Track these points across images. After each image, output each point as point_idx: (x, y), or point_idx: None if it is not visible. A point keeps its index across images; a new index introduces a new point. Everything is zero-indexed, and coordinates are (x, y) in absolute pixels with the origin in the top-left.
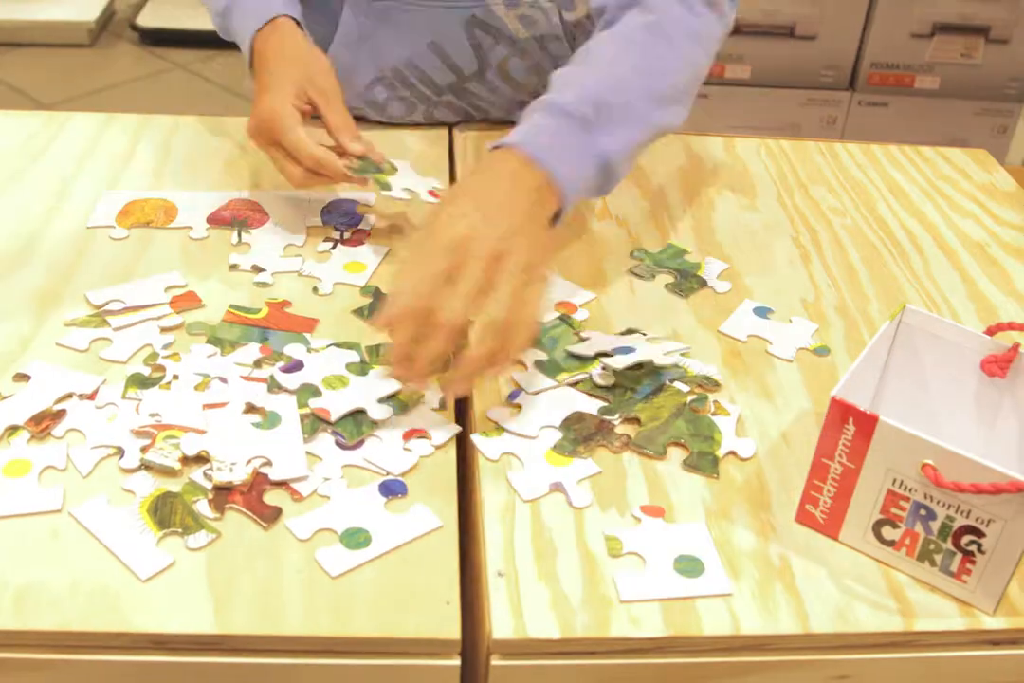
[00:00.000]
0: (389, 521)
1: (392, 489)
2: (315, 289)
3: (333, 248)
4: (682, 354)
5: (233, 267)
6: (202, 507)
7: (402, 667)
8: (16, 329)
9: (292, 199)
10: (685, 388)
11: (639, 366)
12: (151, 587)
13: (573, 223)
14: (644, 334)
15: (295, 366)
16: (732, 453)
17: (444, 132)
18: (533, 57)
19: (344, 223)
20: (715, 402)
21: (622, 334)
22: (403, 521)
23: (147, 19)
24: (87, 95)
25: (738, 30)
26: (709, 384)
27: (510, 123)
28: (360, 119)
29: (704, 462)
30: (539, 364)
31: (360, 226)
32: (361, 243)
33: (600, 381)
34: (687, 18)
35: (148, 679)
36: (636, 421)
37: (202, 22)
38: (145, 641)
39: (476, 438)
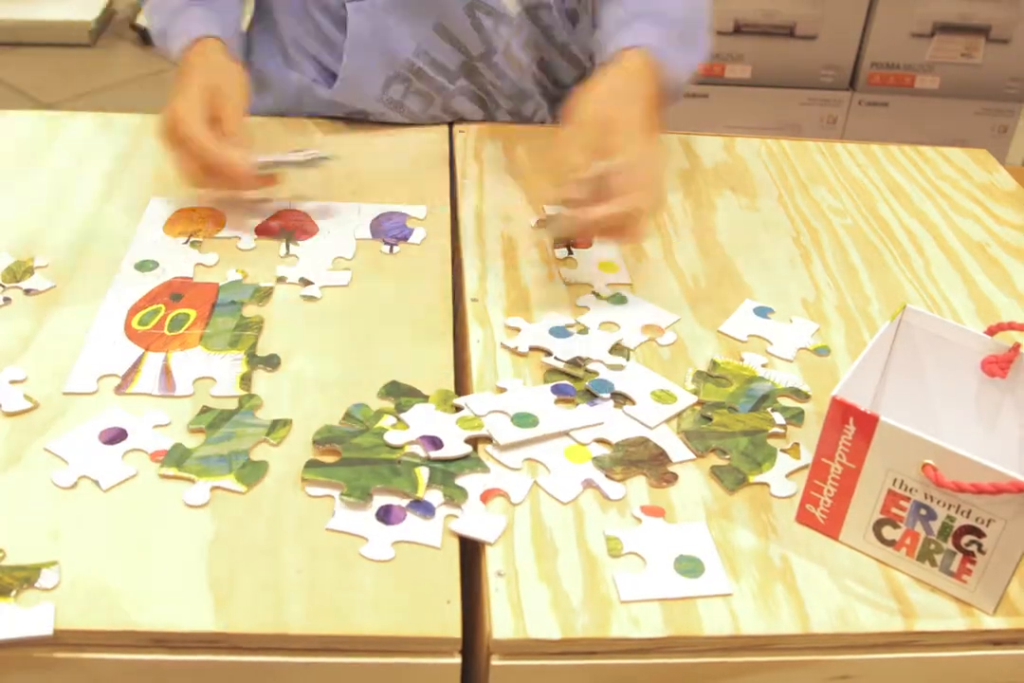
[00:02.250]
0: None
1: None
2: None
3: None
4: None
5: (280, 280)
6: None
7: (403, 665)
8: (16, 330)
9: (342, 211)
10: (780, 419)
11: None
12: (152, 585)
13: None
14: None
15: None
16: (765, 484)
17: (444, 131)
18: (527, 32)
19: (394, 236)
20: (796, 444)
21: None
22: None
23: None
24: (87, 95)
25: (738, 30)
26: (799, 397)
27: (510, 121)
28: (380, 122)
29: (729, 476)
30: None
31: (410, 240)
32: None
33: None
34: None
35: (149, 677)
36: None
37: None
38: (146, 639)
39: (492, 450)
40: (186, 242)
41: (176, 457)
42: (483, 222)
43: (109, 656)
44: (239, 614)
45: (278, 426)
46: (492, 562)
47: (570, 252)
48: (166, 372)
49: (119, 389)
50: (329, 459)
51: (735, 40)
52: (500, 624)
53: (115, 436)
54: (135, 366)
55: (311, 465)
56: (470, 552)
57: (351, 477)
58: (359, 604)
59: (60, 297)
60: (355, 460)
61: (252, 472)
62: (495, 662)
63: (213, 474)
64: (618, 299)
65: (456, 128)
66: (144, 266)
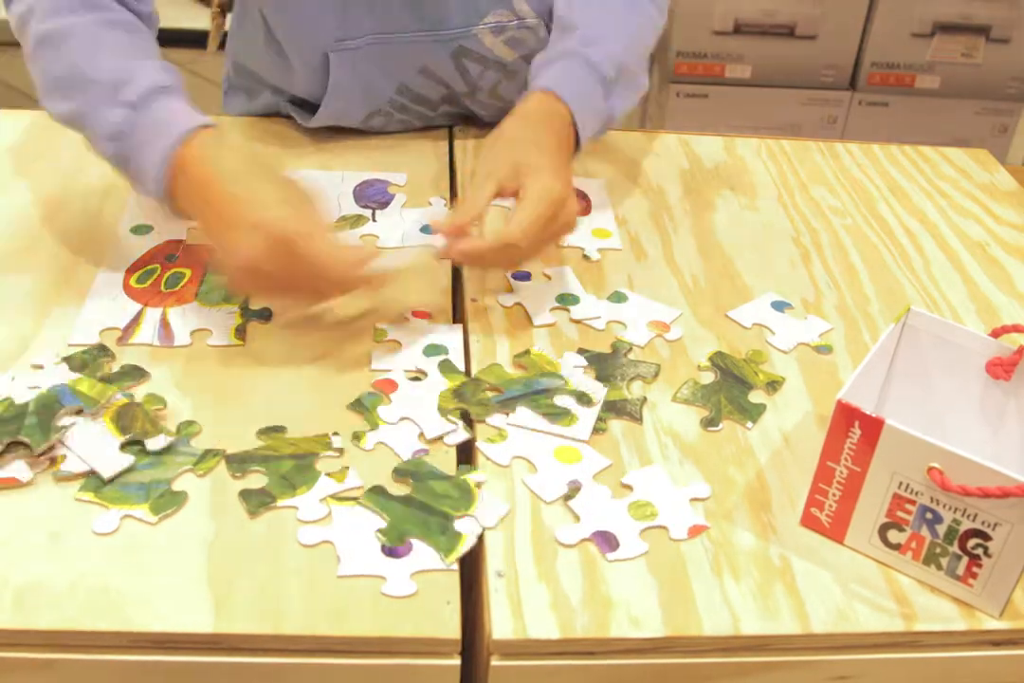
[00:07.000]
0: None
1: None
2: None
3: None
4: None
5: None
6: None
7: (402, 667)
8: (15, 330)
9: (326, 178)
10: (337, 443)
11: None
12: (152, 586)
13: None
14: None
15: None
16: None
17: (444, 134)
18: (522, 76)
19: (376, 201)
20: (345, 467)
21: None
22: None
23: None
24: None
25: (738, 30)
26: (582, 401)
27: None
28: (356, 132)
29: (254, 500)
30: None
31: (391, 204)
32: None
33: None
34: None
35: (148, 678)
36: None
37: (201, 22)
38: (145, 640)
39: (482, 445)
40: None
41: (96, 482)
42: (482, 222)
43: (108, 657)
44: (238, 615)
45: (207, 457)
46: (492, 562)
47: None
48: (164, 324)
49: (120, 341)
50: (396, 489)
51: (735, 40)
52: (500, 624)
53: None
54: (135, 320)
55: (374, 490)
56: (470, 552)
57: (400, 517)
58: (358, 605)
59: (58, 294)
60: (417, 503)
61: (169, 501)
62: (495, 662)
63: (128, 502)
64: (618, 297)
65: (456, 128)
66: (139, 230)
